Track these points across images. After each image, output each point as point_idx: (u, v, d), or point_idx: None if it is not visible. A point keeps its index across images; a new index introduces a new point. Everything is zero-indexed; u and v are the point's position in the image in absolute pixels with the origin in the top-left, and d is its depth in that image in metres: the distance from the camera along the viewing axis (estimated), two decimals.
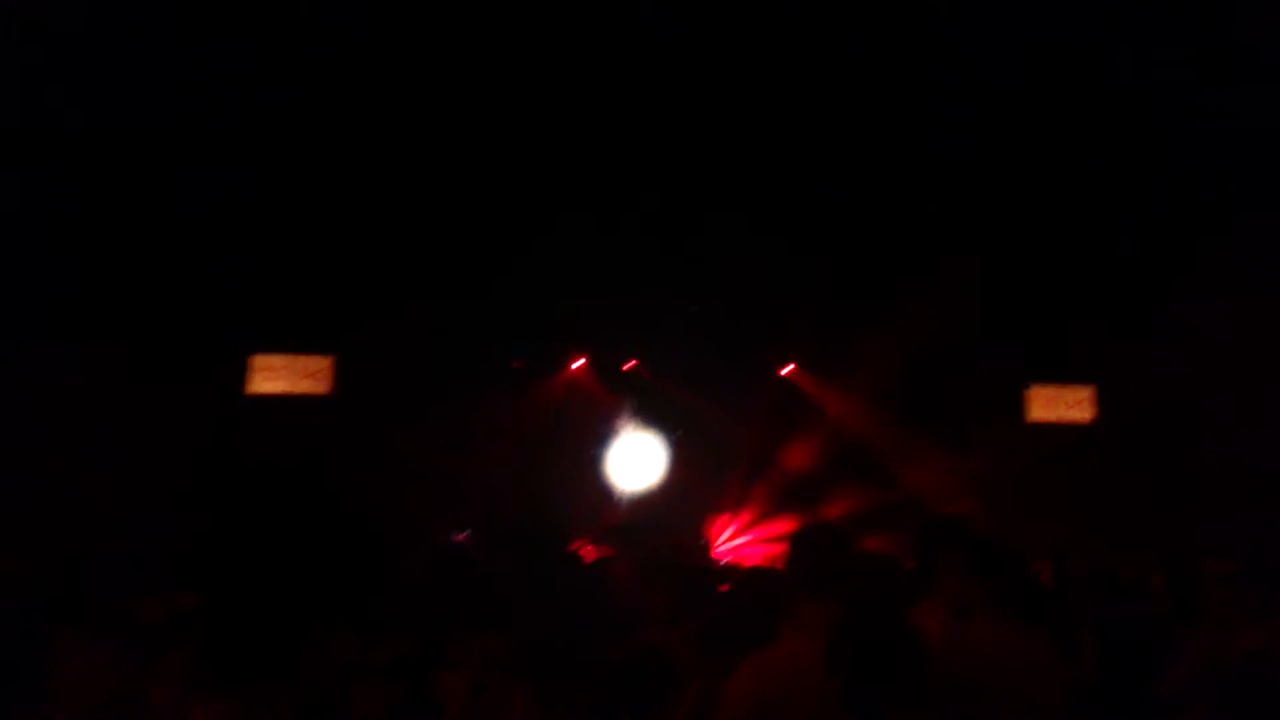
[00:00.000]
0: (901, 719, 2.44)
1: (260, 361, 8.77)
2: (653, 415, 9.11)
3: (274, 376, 8.81)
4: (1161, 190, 7.50)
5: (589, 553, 5.49)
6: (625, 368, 9.39)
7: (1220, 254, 7.64)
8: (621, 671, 3.10)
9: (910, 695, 2.45)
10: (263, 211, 7.78)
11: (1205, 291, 7.84)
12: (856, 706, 2.46)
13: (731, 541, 8.67)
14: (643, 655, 3.33)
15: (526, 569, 4.06)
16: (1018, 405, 9.27)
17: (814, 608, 2.99)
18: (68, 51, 6.45)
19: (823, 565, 3.11)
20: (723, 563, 7.60)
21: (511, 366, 9.27)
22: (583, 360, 9.43)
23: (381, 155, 7.52)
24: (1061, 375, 9.29)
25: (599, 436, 9.04)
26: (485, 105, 7.24)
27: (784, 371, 9.77)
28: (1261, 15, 5.93)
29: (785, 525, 8.18)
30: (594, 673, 3.08)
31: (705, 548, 7.91)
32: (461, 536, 6.74)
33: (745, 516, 8.84)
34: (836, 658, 2.53)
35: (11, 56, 6.19)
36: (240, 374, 8.66)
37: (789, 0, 6.66)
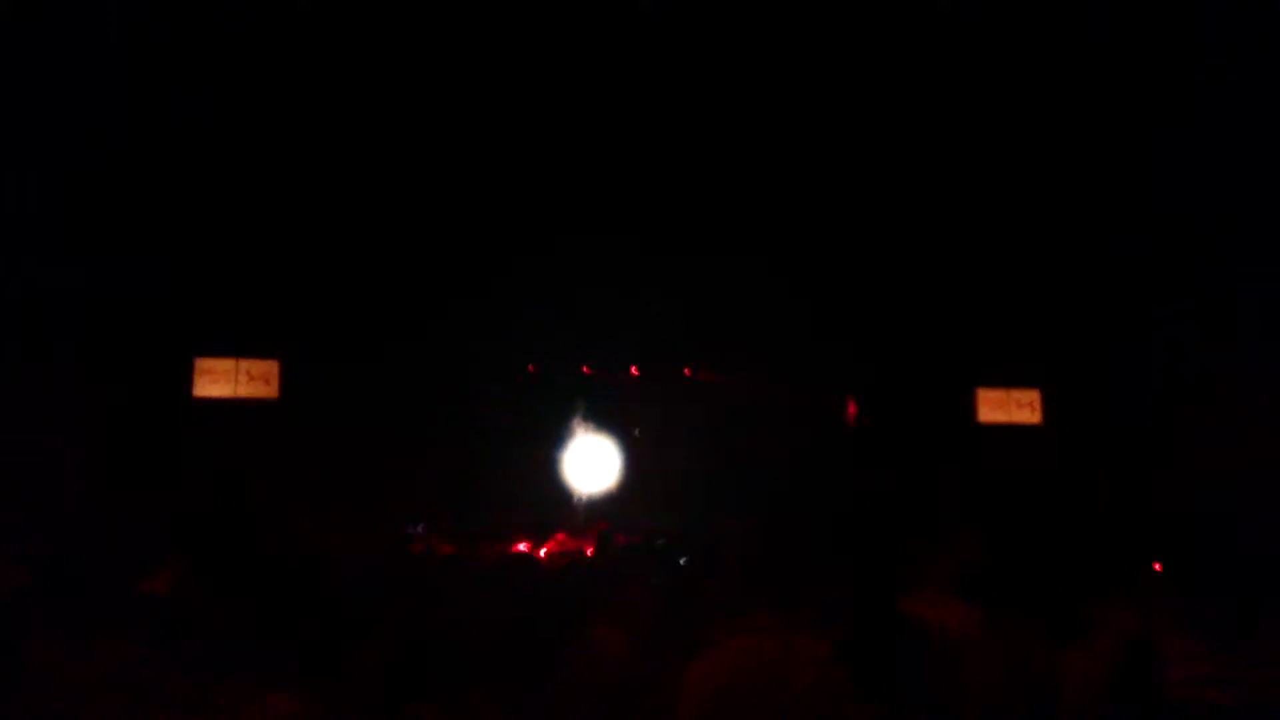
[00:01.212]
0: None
1: (204, 365, 8.63)
2: (607, 417, 9.12)
3: (219, 380, 8.67)
4: (1112, 192, 7.65)
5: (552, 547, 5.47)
6: (582, 370, 9.38)
7: (1173, 255, 7.84)
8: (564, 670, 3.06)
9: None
10: (207, 212, 7.68)
11: (1159, 294, 8.04)
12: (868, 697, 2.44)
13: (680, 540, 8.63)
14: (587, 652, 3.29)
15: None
16: (967, 407, 9.39)
17: (764, 608, 3.00)
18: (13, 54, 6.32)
19: (771, 567, 3.13)
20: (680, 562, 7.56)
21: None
22: (532, 366, 9.41)
23: (331, 156, 7.46)
24: (1010, 378, 9.44)
25: (552, 438, 9.02)
26: (439, 106, 7.20)
27: (733, 375, 9.82)
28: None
29: (733, 527, 8.19)
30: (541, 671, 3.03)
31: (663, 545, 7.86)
32: (417, 530, 6.70)
33: (694, 517, 8.83)
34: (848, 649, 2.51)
35: None
36: (185, 377, 8.51)
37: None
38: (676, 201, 7.70)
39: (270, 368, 8.75)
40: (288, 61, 6.68)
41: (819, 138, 7.37)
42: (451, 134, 7.33)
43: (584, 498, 8.80)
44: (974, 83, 6.78)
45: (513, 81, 6.93)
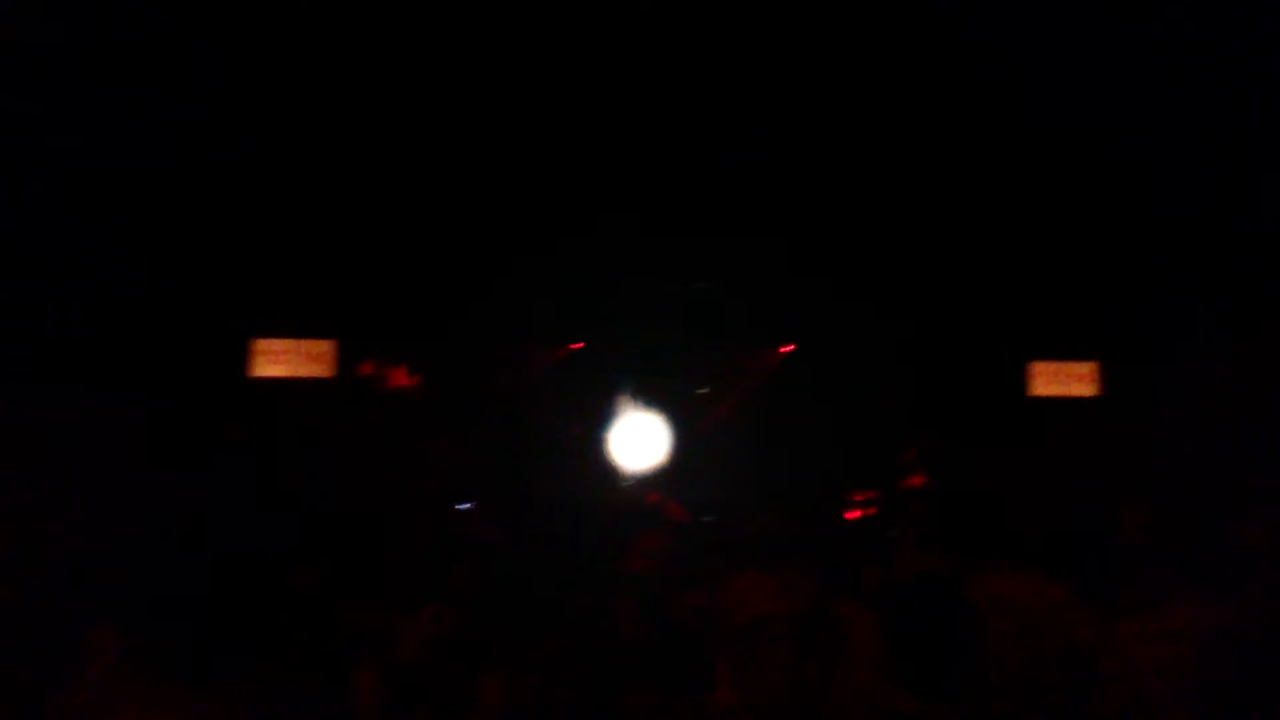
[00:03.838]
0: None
1: (262, 345, 8.77)
2: (655, 392, 9.11)
3: (277, 360, 8.80)
4: (1166, 162, 7.45)
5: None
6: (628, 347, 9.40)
7: (1224, 230, 7.62)
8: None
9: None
10: (265, 193, 7.78)
11: (1211, 268, 7.82)
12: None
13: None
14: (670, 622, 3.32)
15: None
16: (1020, 380, 9.23)
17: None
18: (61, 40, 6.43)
19: (820, 538, 3.15)
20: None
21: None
22: (580, 344, 9.44)
23: (382, 136, 7.51)
24: (1065, 350, 9.25)
25: (602, 415, 9.04)
26: (484, 95, 7.22)
27: (783, 350, 9.77)
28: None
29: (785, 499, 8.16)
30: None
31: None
32: (466, 507, 6.79)
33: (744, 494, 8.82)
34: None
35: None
36: (242, 357, 8.66)
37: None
38: (722, 180, 7.65)
39: (327, 347, 8.87)
40: (336, 44, 6.73)
41: (862, 106, 7.26)
42: (505, 113, 7.35)
43: (634, 475, 8.81)
44: (1023, 49, 6.62)
45: (558, 60, 6.92)
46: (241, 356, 8.56)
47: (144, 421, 7.31)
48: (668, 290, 8.78)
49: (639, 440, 8.73)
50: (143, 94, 6.78)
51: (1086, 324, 8.86)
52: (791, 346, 9.63)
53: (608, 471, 8.65)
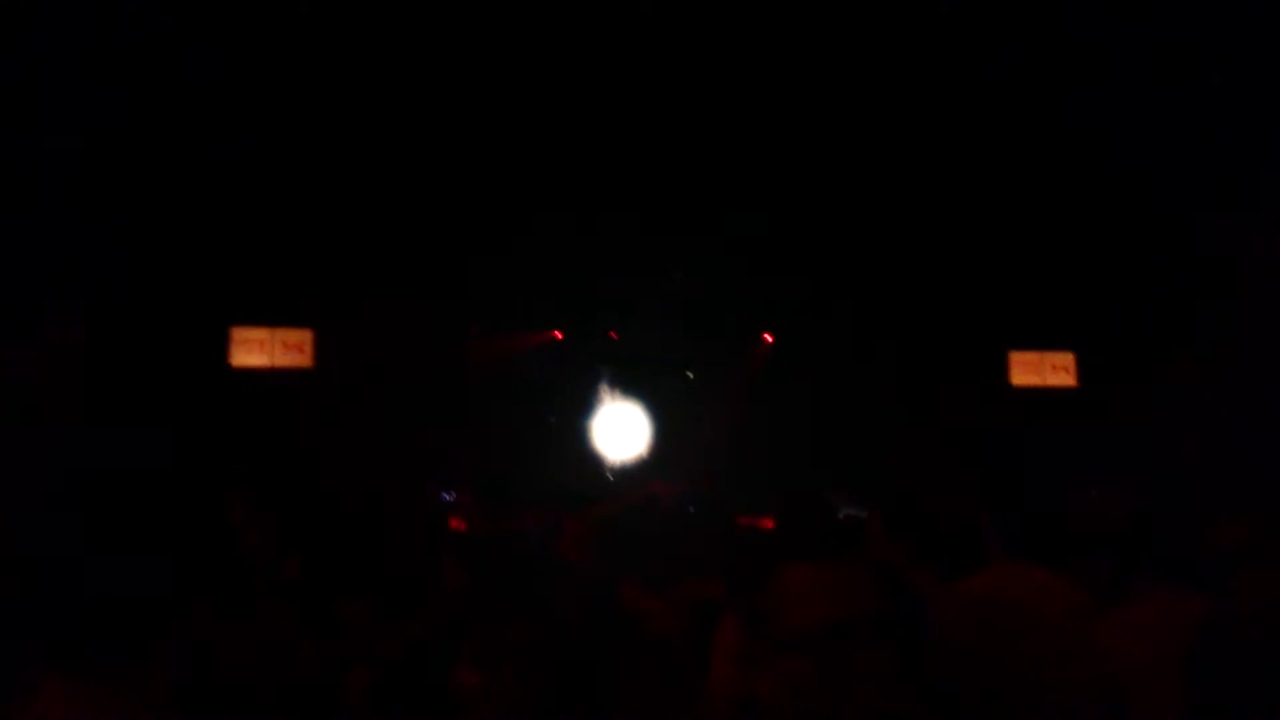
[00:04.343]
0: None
1: (240, 334, 8.69)
2: (637, 383, 9.12)
3: (255, 349, 8.73)
4: (1143, 155, 7.51)
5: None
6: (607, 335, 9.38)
7: (1205, 219, 7.69)
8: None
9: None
10: (242, 182, 7.70)
11: (1192, 257, 7.90)
12: None
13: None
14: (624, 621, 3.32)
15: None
16: (1000, 370, 9.31)
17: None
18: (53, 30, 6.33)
19: (812, 530, 3.15)
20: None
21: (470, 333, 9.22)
22: (557, 331, 9.43)
23: (360, 125, 7.45)
24: (1044, 340, 9.33)
25: (584, 404, 9.04)
26: (460, 82, 7.17)
27: (764, 339, 9.79)
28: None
29: (767, 492, 8.18)
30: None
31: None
32: (451, 496, 6.76)
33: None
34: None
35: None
36: (221, 346, 8.58)
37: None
38: (712, 175, 7.65)
39: (304, 336, 8.81)
40: (318, 35, 6.66)
41: (852, 102, 7.27)
42: (485, 101, 7.31)
43: (620, 464, 8.82)
44: (1006, 53, 6.65)
45: (539, 54, 6.88)
46: (223, 346, 8.50)
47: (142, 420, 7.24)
48: (652, 282, 8.77)
49: (622, 430, 8.75)
50: (142, 95, 6.70)
51: (1065, 316, 8.94)
52: (771, 338, 9.65)
53: (591, 461, 8.67)
